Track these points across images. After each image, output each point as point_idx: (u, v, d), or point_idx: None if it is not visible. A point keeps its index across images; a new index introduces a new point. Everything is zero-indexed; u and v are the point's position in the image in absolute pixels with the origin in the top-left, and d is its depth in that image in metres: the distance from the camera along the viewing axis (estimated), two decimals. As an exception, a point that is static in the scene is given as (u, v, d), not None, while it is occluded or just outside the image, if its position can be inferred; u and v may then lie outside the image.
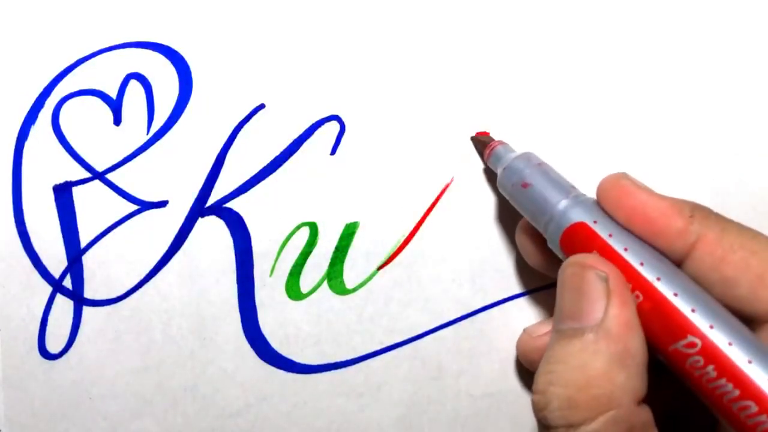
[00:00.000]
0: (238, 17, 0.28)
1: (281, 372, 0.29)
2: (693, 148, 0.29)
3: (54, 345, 0.29)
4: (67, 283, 0.29)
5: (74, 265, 0.29)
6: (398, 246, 0.29)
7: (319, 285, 0.29)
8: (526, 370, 0.29)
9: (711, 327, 0.18)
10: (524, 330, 0.28)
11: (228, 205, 0.29)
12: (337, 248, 0.29)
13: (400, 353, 0.29)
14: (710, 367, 0.18)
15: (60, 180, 0.28)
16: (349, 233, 0.29)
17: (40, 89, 0.28)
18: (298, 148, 0.29)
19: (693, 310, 0.19)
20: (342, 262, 0.29)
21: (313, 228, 0.29)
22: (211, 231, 0.29)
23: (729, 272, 0.20)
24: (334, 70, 0.29)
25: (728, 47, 0.29)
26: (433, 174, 0.29)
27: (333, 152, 0.29)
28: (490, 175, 0.29)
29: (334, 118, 0.29)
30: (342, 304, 0.29)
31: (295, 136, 0.29)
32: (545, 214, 0.23)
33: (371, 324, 0.29)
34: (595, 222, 0.22)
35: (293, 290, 0.29)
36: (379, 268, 0.29)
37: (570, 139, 0.29)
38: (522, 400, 0.30)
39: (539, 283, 0.29)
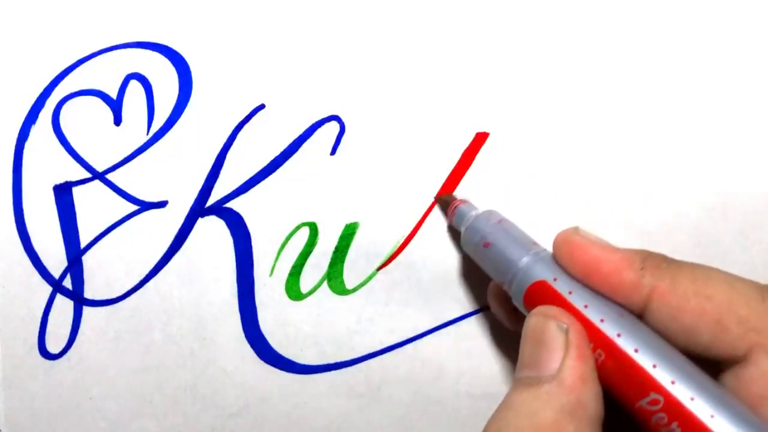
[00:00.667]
0: (238, 17, 0.28)
1: (281, 372, 0.29)
2: (694, 150, 0.29)
3: (54, 345, 0.29)
4: (67, 283, 0.29)
5: (74, 265, 0.29)
6: (398, 246, 0.29)
7: (318, 285, 0.29)
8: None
9: (672, 382, 0.18)
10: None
11: (228, 205, 0.29)
12: (337, 248, 0.29)
13: (400, 353, 0.29)
14: (674, 424, 0.18)
15: (60, 180, 0.28)
16: (349, 233, 0.29)
17: (41, 89, 0.28)
18: (298, 148, 0.29)
19: (654, 366, 0.19)
20: (342, 262, 0.29)
21: (313, 228, 0.29)
22: (211, 231, 0.29)
23: (687, 321, 0.20)
24: (334, 70, 0.29)
25: (730, 48, 0.29)
26: (432, 174, 0.29)
27: (333, 152, 0.29)
28: (454, 234, 0.29)
29: (334, 118, 0.29)
30: (342, 304, 0.29)
31: (295, 136, 0.29)
32: (507, 273, 0.23)
33: (371, 324, 0.29)
34: (555, 279, 0.22)
35: (293, 290, 0.29)
36: (379, 268, 0.29)
37: (570, 139, 0.29)
38: (522, 400, 0.30)
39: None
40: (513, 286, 0.23)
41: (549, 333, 0.20)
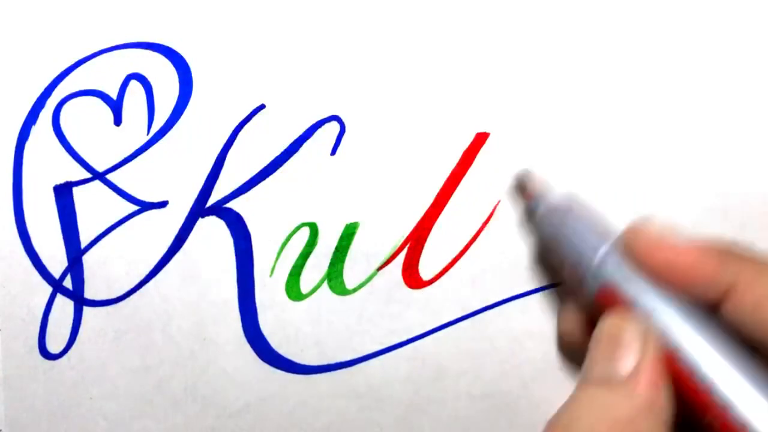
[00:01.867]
0: (238, 17, 0.28)
1: (281, 372, 0.29)
2: (694, 150, 0.29)
3: (54, 345, 0.29)
4: (68, 283, 0.29)
5: (74, 265, 0.29)
6: (398, 246, 0.29)
7: (319, 285, 0.29)
8: (527, 371, 0.29)
9: (743, 392, 0.18)
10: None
11: (228, 205, 0.29)
12: (337, 248, 0.29)
13: (400, 354, 0.29)
14: None
15: (60, 180, 0.28)
16: (349, 233, 0.29)
17: (41, 89, 0.28)
18: (298, 149, 0.29)
19: (723, 372, 0.19)
20: (342, 262, 0.29)
21: (313, 228, 0.29)
22: (211, 231, 0.29)
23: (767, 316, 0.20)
24: (334, 70, 0.29)
25: (729, 48, 0.29)
26: (432, 174, 0.29)
27: (333, 152, 0.29)
28: (516, 233, 0.29)
29: (334, 118, 0.29)
30: (342, 304, 0.29)
31: (296, 136, 0.29)
32: (581, 262, 0.23)
33: (371, 324, 0.29)
34: (623, 282, 0.22)
35: (293, 290, 0.29)
36: (379, 268, 0.29)
37: (570, 139, 0.29)
38: (522, 400, 0.30)
39: (539, 284, 0.29)
40: (585, 288, 0.23)
41: (627, 334, 0.20)
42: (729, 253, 0.21)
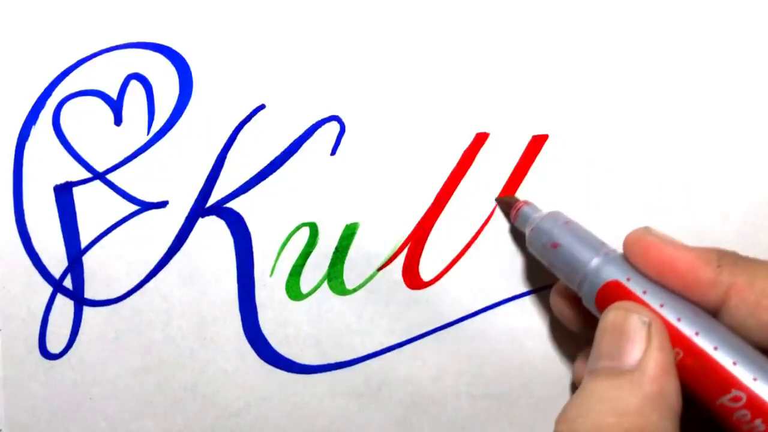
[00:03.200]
0: (238, 17, 0.29)
1: (281, 372, 0.29)
2: (695, 152, 0.29)
3: (54, 345, 0.29)
4: (68, 283, 0.29)
5: (75, 266, 0.29)
6: (398, 247, 0.29)
7: (319, 285, 0.29)
8: (527, 371, 0.29)
9: (755, 379, 0.18)
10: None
11: (228, 205, 0.29)
12: (337, 249, 0.29)
13: (400, 354, 0.29)
14: (758, 421, 0.18)
15: (61, 180, 0.28)
16: (349, 234, 0.29)
17: (41, 90, 0.28)
18: (298, 149, 0.29)
19: (734, 363, 0.19)
20: (342, 262, 0.29)
21: (314, 228, 0.29)
22: (212, 231, 0.29)
23: (765, 317, 0.20)
24: (334, 70, 0.29)
25: (729, 49, 0.29)
26: (433, 174, 0.29)
27: (333, 152, 0.29)
28: (516, 234, 0.29)
29: (334, 118, 0.29)
30: (342, 304, 0.29)
31: (296, 136, 0.29)
32: (578, 273, 0.23)
33: (371, 324, 0.29)
34: (628, 279, 0.22)
35: (293, 290, 0.29)
36: (379, 268, 0.29)
37: (570, 139, 0.29)
38: (522, 401, 0.30)
39: (540, 284, 0.29)
40: (584, 287, 0.23)
41: (631, 325, 0.20)
42: (725, 258, 0.21)
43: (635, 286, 0.22)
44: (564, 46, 0.29)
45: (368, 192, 0.29)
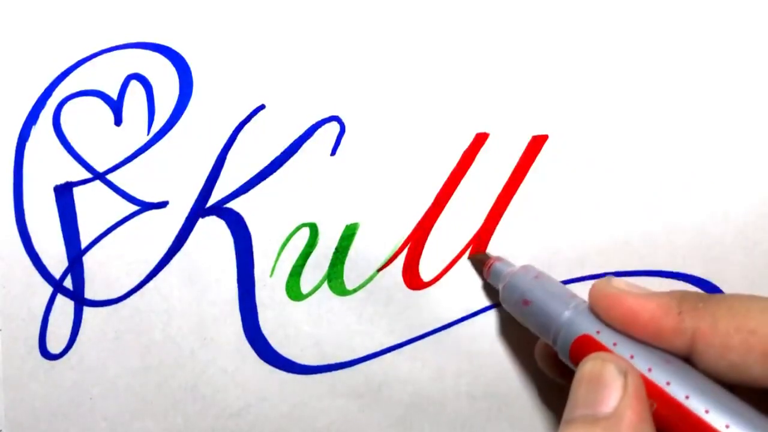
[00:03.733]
0: (238, 17, 0.29)
1: (281, 372, 0.29)
2: (695, 153, 0.29)
3: (54, 345, 0.29)
4: (68, 283, 0.29)
5: (75, 266, 0.29)
6: (398, 247, 0.29)
7: (319, 286, 0.29)
8: (527, 372, 0.29)
9: (727, 426, 0.18)
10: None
11: (228, 205, 0.29)
12: (337, 249, 0.29)
13: (400, 354, 0.29)
14: None
15: (61, 180, 0.28)
16: (349, 234, 0.29)
17: (41, 90, 0.28)
18: (298, 149, 0.29)
19: (707, 411, 0.19)
20: (342, 263, 0.29)
21: (314, 229, 0.29)
22: (212, 231, 0.29)
23: (734, 358, 0.20)
24: (334, 70, 0.29)
25: (729, 50, 0.29)
26: (433, 174, 0.29)
27: (333, 153, 0.29)
28: (489, 289, 0.29)
29: (334, 118, 0.29)
30: (342, 304, 0.29)
31: (296, 136, 0.29)
32: (550, 329, 0.24)
33: (371, 325, 0.29)
34: (598, 332, 0.22)
35: (293, 291, 0.29)
36: (379, 269, 0.29)
37: (569, 139, 0.29)
38: (522, 401, 0.30)
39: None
40: (558, 342, 0.23)
41: (608, 374, 0.20)
42: (685, 303, 0.21)
43: (606, 339, 0.22)
44: (564, 46, 0.29)
45: (368, 192, 0.29)
